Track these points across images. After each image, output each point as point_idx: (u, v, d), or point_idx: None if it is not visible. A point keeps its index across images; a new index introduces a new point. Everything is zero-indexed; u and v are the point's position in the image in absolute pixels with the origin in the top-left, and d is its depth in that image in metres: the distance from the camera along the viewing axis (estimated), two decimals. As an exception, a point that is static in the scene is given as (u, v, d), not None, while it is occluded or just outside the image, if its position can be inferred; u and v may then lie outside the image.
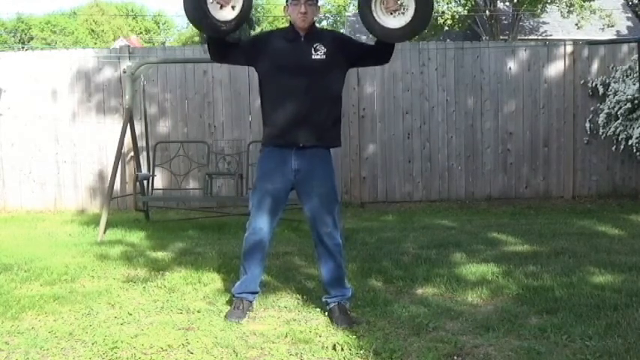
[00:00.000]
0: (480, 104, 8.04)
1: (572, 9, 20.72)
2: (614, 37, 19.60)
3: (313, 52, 3.23)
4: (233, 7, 3.17)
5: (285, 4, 3.31)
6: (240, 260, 3.47)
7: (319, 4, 3.32)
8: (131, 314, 3.38)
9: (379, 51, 3.39)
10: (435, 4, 22.13)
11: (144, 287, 3.94)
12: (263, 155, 3.36)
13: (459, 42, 8.91)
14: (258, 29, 27.10)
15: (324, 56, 3.23)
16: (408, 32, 3.24)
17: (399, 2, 3.19)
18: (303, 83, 3.21)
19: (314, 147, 3.26)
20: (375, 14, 3.22)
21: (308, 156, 3.26)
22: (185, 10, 3.14)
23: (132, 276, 4.27)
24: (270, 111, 3.31)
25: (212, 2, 3.11)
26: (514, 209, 7.51)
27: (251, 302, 3.39)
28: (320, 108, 3.24)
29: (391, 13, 3.22)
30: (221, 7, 3.14)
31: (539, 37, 22.14)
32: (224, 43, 3.32)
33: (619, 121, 7.50)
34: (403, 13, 3.20)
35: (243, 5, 3.16)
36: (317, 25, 3.39)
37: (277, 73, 3.27)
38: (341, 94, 3.39)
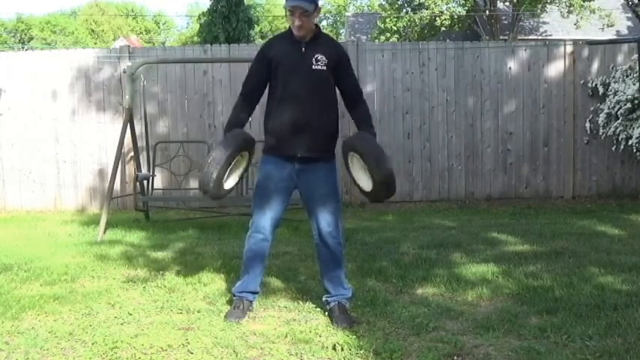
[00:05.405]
0: (480, 104, 8.04)
1: (572, 9, 20.75)
2: (614, 37, 19.60)
3: (314, 62, 3.22)
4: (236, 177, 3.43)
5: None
6: (240, 260, 3.47)
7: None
8: (131, 314, 3.38)
9: (348, 106, 3.42)
10: (434, 6, 22.26)
11: (144, 287, 3.94)
12: (265, 156, 3.37)
13: (459, 42, 8.89)
14: (257, 28, 27.11)
15: (324, 67, 3.23)
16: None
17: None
18: (302, 94, 3.20)
19: (312, 159, 3.24)
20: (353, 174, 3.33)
21: (309, 161, 3.25)
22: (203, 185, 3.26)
23: (132, 276, 4.27)
24: (270, 120, 3.31)
25: (226, 180, 3.32)
26: (514, 209, 7.50)
27: (251, 302, 3.39)
28: (318, 119, 3.24)
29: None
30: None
31: (539, 37, 22.16)
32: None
33: (619, 121, 7.49)
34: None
35: (241, 174, 3.51)
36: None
37: (279, 84, 3.26)
38: (337, 106, 3.37)
